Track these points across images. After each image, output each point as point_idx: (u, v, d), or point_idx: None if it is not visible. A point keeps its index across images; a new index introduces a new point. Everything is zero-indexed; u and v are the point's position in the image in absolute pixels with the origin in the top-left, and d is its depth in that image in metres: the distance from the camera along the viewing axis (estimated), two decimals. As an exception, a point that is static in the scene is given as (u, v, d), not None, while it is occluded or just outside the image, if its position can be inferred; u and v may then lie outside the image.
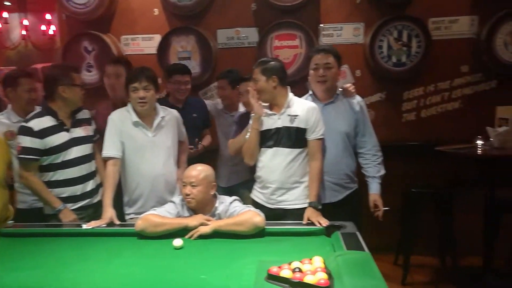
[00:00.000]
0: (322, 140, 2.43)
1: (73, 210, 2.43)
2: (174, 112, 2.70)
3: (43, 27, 5.33)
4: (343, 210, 2.54)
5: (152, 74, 2.48)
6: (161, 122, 2.55)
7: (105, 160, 2.47)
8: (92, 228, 2.23)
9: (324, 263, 1.68)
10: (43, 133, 2.36)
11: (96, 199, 2.57)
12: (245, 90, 2.80)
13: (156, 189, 2.52)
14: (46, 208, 2.47)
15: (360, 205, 2.69)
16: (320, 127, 2.40)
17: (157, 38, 3.83)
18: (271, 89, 2.38)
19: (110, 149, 2.46)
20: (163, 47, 3.76)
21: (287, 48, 3.69)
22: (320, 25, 3.72)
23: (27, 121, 2.38)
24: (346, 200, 2.63)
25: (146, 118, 2.51)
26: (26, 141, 2.32)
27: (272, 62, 2.41)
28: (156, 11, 3.85)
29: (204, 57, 3.75)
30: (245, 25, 3.79)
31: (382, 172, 2.67)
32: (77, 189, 2.47)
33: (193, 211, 2.24)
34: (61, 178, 2.43)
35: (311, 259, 1.71)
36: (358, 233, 2.04)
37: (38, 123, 2.36)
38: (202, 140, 3.19)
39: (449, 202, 3.31)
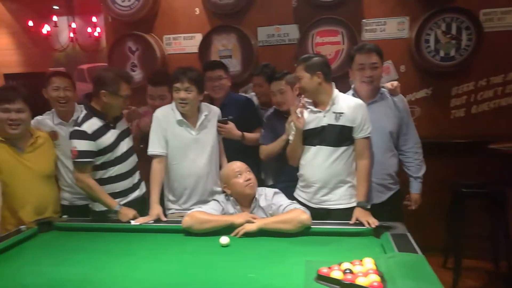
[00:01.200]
0: (369, 139, 2.36)
1: (125, 204, 2.44)
2: (216, 109, 2.68)
3: (89, 30, 5.52)
4: (386, 212, 2.45)
5: (196, 76, 2.43)
6: (204, 120, 2.55)
7: (151, 157, 2.49)
8: (140, 224, 2.27)
9: (376, 265, 1.63)
10: (96, 135, 2.37)
11: (142, 191, 2.61)
12: (277, 89, 2.69)
13: (199, 187, 2.52)
14: (97, 205, 2.50)
15: (401, 206, 2.64)
16: (368, 125, 2.33)
17: (199, 37, 3.87)
18: (316, 86, 2.30)
19: (155, 146, 2.48)
20: (205, 45, 3.79)
21: (328, 44, 3.62)
22: (363, 20, 3.62)
23: (79, 125, 2.36)
24: (388, 201, 2.57)
25: (190, 117, 2.51)
26: (82, 145, 2.31)
27: (316, 58, 2.33)
28: (197, 10, 3.89)
29: (245, 55, 3.75)
30: (286, 22, 3.75)
31: (423, 170, 2.65)
32: (128, 183, 2.52)
33: (238, 205, 2.26)
34: (114, 174, 2.46)
35: (361, 260, 1.67)
36: (408, 234, 1.97)
37: (90, 126, 2.36)
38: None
39: (503, 202, 3.14)
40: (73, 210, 2.64)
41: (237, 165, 2.31)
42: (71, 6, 5.62)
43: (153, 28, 4.00)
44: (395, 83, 2.61)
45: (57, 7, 5.66)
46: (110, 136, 2.43)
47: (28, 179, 2.32)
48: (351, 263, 1.64)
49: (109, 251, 2.00)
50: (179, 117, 2.48)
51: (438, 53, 3.47)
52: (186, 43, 3.95)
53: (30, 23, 5.49)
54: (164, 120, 2.49)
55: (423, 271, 1.55)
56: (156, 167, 2.46)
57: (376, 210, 2.38)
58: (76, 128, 2.35)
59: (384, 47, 2.56)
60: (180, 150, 2.50)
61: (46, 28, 5.49)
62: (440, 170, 3.39)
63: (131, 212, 2.34)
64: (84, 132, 2.33)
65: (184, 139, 2.49)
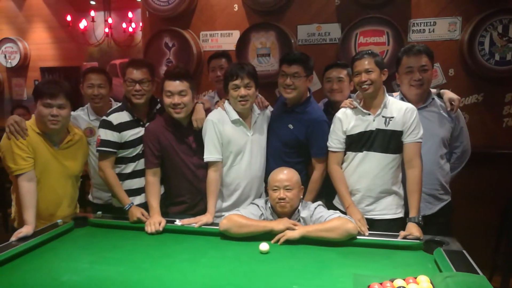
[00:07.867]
0: (420, 144, 2.20)
1: (140, 204, 2.38)
2: (266, 109, 2.58)
3: (124, 25, 5.51)
4: (436, 225, 2.32)
5: (253, 70, 2.33)
6: (258, 119, 2.44)
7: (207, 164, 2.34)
8: (182, 225, 2.17)
9: (432, 284, 1.49)
10: (120, 127, 2.36)
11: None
12: (336, 77, 2.62)
13: (251, 190, 2.41)
14: (114, 201, 2.48)
15: (451, 219, 2.46)
16: (419, 130, 2.18)
17: (236, 34, 3.77)
18: (381, 83, 2.21)
19: (212, 152, 2.32)
20: (242, 43, 3.69)
21: (373, 45, 3.44)
22: (410, 20, 3.44)
23: (107, 115, 2.39)
24: (439, 214, 2.40)
25: (246, 116, 2.38)
26: (106, 134, 2.33)
27: (379, 56, 2.24)
28: (236, 7, 3.79)
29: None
30: (328, 21, 3.61)
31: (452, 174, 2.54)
32: (143, 181, 2.42)
33: (278, 215, 2.13)
34: (130, 171, 2.41)
35: (416, 278, 1.53)
36: (465, 252, 1.81)
37: (116, 117, 2.37)
38: None
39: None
40: (108, 209, 2.57)
41: (280, 177, 2.11)
42: (108, 1, 5.63)
43: (190, 24, 3.93)
44: (455, 99, 2.39)
45: (94, 2, 5.68)
46: (136, 133, 2.40)
47: (58, 176, 2.27)
48: (404, 280, 1.52)
49: (146, 252, 1.93)
50: (235, 116, 2.34)
51: (493, 56, 3.24)
52: (223, 40, 3.86)
53: (69, 18, 5.52)
54: (220, 124, 2.33)
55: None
56: (212, 176, 2.30)
57: (425, 222, 2.21)
58: (104, 117, 2.40)
59: (432, 49, 2.39)
60: (236, 152, 2.35)
61: (83, 23, 5.51)
62: (490, 182, 3.19)
63: (136, 214, 2.25)
64: (109, 122, 2.36)
65: (240, 141, 2.35)
